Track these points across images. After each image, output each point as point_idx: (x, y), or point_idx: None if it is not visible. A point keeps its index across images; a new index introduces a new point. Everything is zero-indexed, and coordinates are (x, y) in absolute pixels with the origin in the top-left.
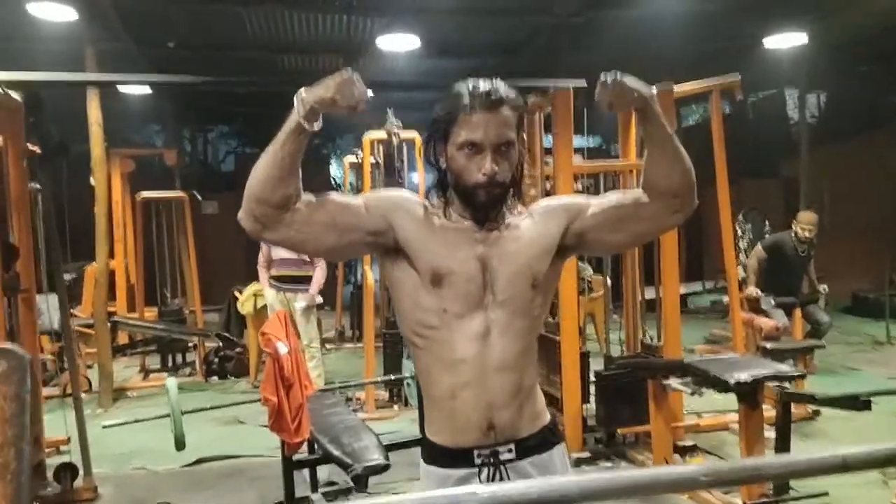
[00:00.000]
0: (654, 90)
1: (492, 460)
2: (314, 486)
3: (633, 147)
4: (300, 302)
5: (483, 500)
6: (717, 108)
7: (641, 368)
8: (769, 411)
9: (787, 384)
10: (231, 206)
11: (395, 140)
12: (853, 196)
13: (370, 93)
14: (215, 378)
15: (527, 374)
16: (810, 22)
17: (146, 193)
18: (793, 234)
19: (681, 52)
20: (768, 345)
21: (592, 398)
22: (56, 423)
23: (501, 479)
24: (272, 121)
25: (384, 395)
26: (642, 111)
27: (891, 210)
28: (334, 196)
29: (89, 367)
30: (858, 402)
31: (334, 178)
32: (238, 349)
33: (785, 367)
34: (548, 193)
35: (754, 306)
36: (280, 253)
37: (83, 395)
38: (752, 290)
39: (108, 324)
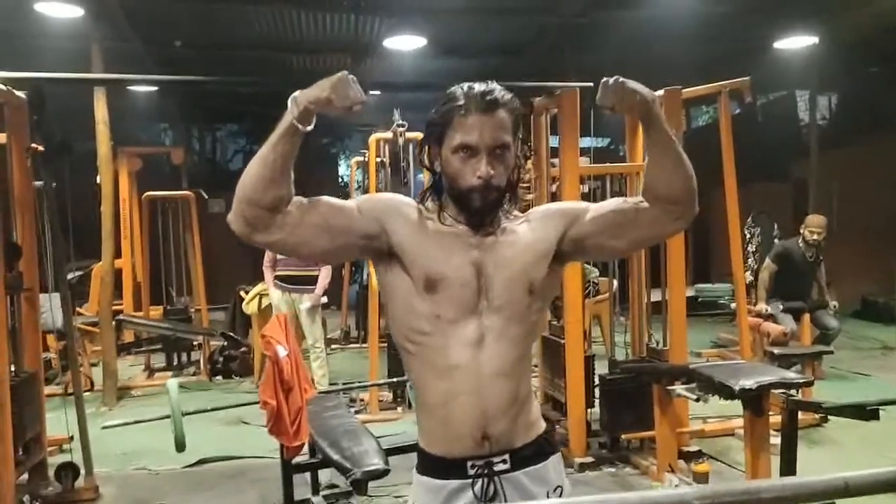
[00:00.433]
0: (660, 93)
1: (486, 471)
2: (315, 489)
3: (641, 149)
4: (305, 302)
5: None
6: (725, 110)
7: (646, 373)
8: (776, 416)
9: (793, 391)
10: None
11: (400, 140)
12: (863, 198)
13: (377, 92)
14: (220, 377)
15: (522, 382)
16: (821, 23)
17: (152, 192)
18: (801, 239)
19: (691, 54)
20: (776, 350)
21: (597, 402)
22: (58, 422)
23: (495, 490)
24: (280, 120)
25: (388, 396)
26: (645, 115)
27: None
28: (327, 199)
29: (94, 365)
30: (865, 412)
31: (342, 178)
32: (243, 349)
33: (791, 374)
34: (554, 195)
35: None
36: None
37: (87, 394)
38: (763, 308)
39: (113, 322)
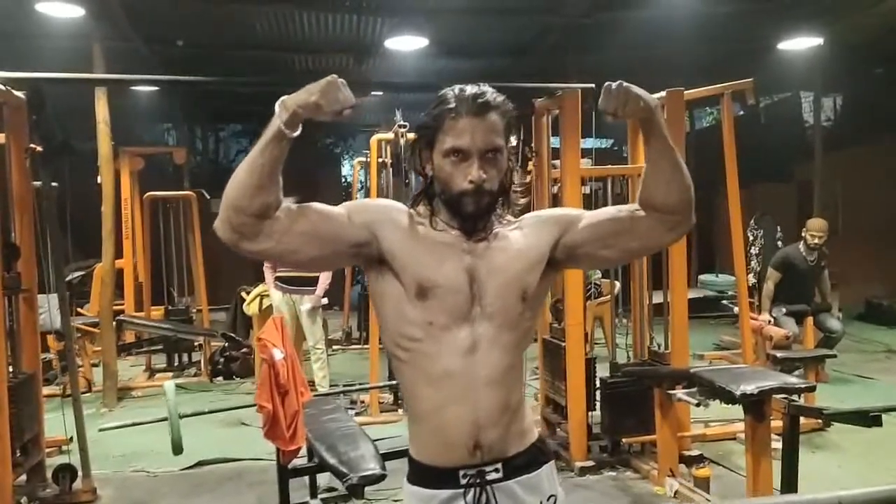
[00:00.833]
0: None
1: (478, 481)
2: (313, 492)
3: (643, 151)
4: (305, 303)
5: None
6: (728, 111)
7: (647, 377)
8: (778, 421)
9: (794, 397)
10: None
11: (402, 140)
12: (868, 200)
13: (379, 93)
14: (220, 378)
15: (514, 390)
16: (825, 24)
17: (153, 192)
18: (802, 243)
19: (694, 55)
20: (778, 353)
21: (598, 405)
22: (57, 423)
23: (488, 500)
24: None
25: (389, 398)
26: (646, 122)
27: None
28: (316, 206)
29: (95, 365)
30: (868, 418)
31: (346, 178)
32: (244, 349)
33: (793, 380)
34: (555, 196)
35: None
36: None
37: (87, 395)
38: (766, 319)
39: (114, 323)
